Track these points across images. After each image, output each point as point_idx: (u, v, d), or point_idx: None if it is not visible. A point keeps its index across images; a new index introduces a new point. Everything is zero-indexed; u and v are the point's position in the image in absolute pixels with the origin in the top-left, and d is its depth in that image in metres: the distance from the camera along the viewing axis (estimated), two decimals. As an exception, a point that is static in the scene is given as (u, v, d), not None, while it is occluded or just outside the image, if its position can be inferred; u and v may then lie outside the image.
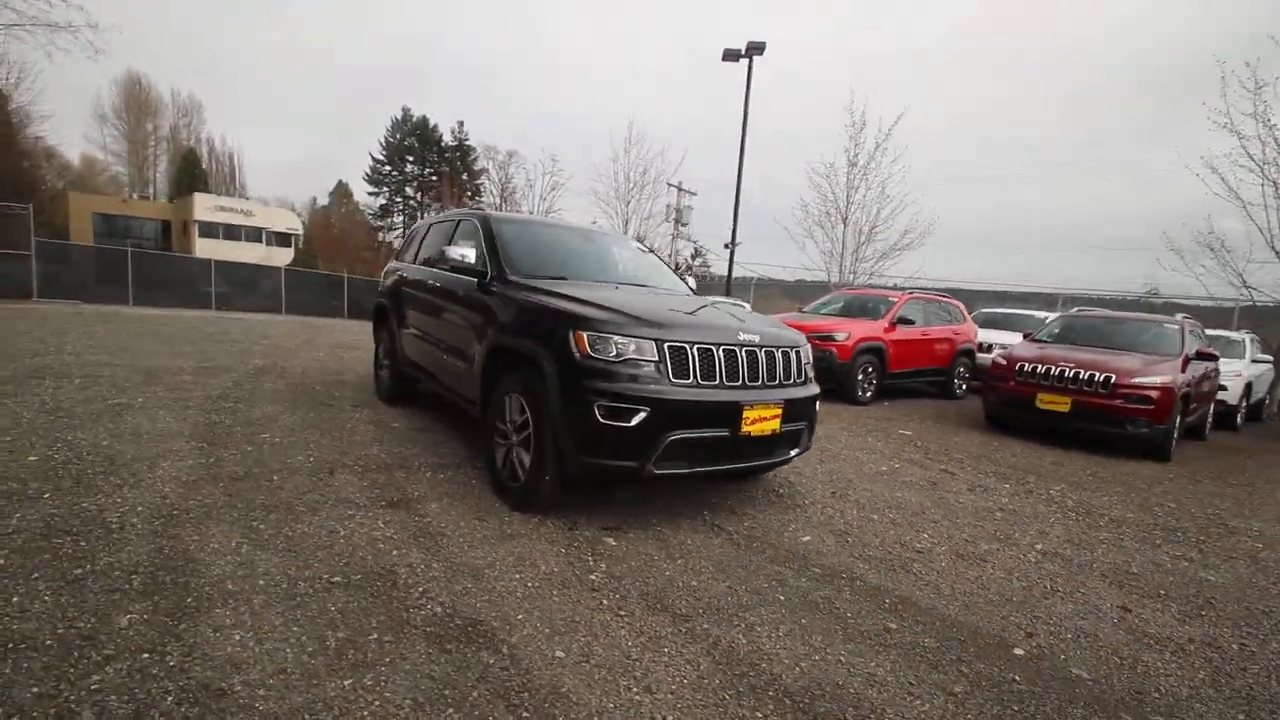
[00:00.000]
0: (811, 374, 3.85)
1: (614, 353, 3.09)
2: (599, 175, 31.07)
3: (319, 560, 2.66)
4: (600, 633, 2.33)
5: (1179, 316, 8.05)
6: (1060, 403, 6.69)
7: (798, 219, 21.16)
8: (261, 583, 2.44)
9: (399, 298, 5.50)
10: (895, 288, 13.70)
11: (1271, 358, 11.30)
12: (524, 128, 72.86)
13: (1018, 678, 2.30)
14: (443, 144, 56.39)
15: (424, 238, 5.61)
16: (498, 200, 54.84)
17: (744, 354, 3.36)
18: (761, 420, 3.33)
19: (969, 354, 10.19)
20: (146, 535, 2.73)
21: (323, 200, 61.93)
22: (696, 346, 3.21)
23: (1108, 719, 2.11)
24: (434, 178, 55.96)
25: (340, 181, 59.55)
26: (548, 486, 3.26)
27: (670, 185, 30.67)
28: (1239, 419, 9.73)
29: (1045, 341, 7.98)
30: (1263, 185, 13.07)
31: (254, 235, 37.06)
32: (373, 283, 34.12)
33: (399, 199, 56.73)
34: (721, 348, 3.28)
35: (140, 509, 2.98)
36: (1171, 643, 2.66)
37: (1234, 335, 10.82)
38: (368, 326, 7.57)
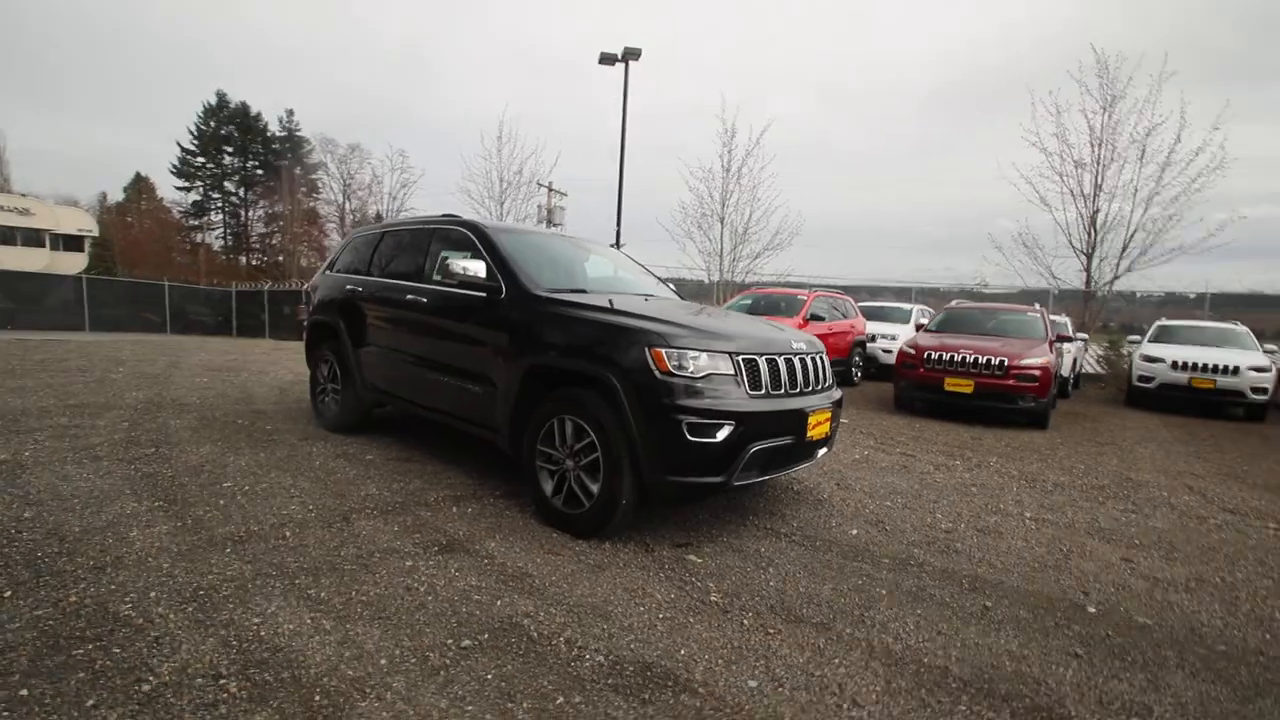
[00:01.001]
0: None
1: (694, 369, 3.03)
2: (470, 174, 29.44)
3: (425, 625, 2.34)
4: (768, 654, 2.30)
5: (1037, 306, 9.54)
6: (965, 385, 7.64)
7: (677, 220, 21.79)
8: (384, 662, 2.10)
9: (354, 314, 4.91)
10: (798, 285, 14.72)
11: (1085, 336, 13.72)
12: (369, 120, 67.36)
13: (1109, 633, 2.63)
14: (269, 134, 50.63)
15: (376, 247, 5.06)
16: (340, 198, 50.53)
17: (798, 362, 3.46)
18: (819, 424, 3.46)
19: (862, 345, 11.25)
20: (192, 626, 2.22)
21: (115, 196, 52.94)
22: (764, 358, 3.26)
23: (1193, 655, 2.49)
24: (259, 171, 50.12)
25: (139, 175, 51.24)
26: (623, 511, 3.13)
27: (541, 185, 30.24)
28: (1069, 389, 11.74)
29: (936, 331, 9.05)
30: (1062, 193, 15.89)
31: (33, 238, 30.66)
32: (199, 292, 29.95)
33: (216, 195, 50.04)
34: (782, 357, 3.36)
35: (154, 594, 2.41)
36: (1178, 583, 3.19)
37: (1056, 319, 13.00)
38: (221, 343, 6.66)
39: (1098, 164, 15.48)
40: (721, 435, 2.99)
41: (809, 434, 3.37)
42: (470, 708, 1.90)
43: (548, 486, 3.39)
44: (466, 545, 3.08)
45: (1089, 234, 15.77)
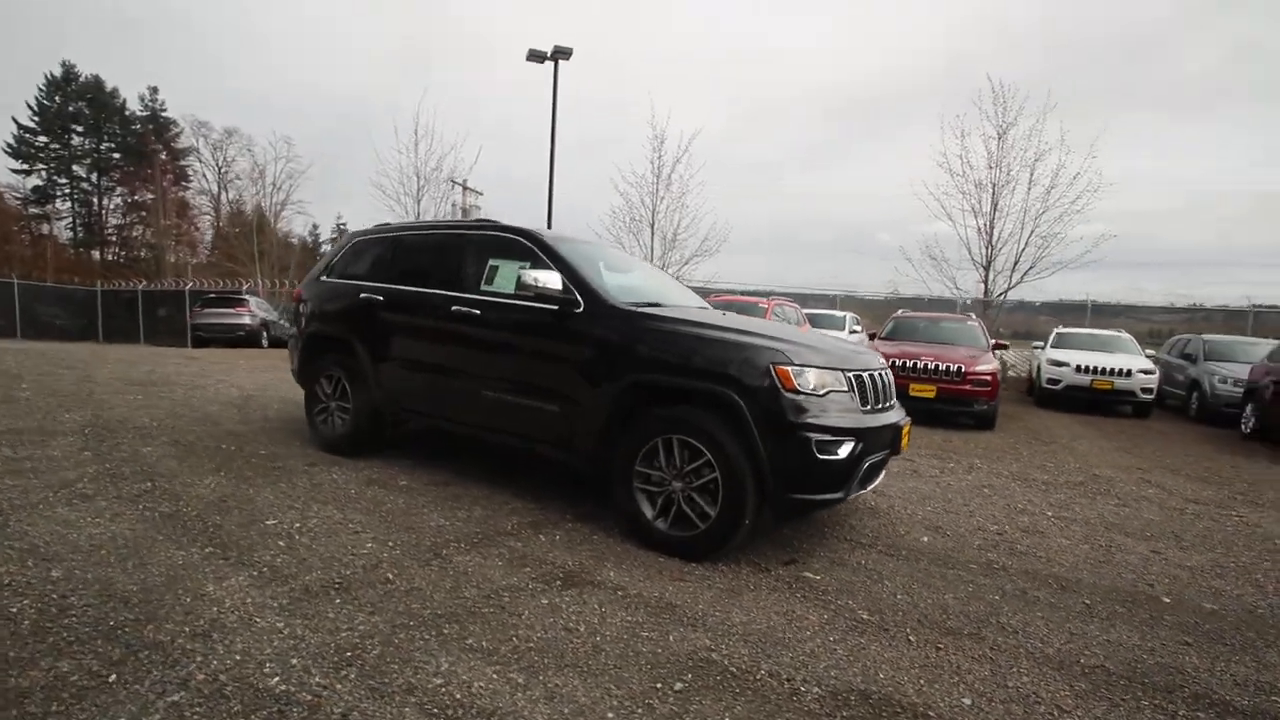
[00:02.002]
0: None
1: (817, 385, 3.06)
2: (384, 168, 27.63)
3: (619, 669, 2.19)
4: (956, 670, 2.36)
5: (973, 316, 10.45)
6: (928, 390, 8.22)
7: (607, 224, 21.75)
8: (613, 716, 1.95)
9: (374, 326, 4.49)
10: (725, 291, 15.14)
11: (1006, 344, 15.16)
12: (256, 105, 61.30)
13: (1195, 620, 2.94)
14: (128, 113, 45.08)
15: (394, 253, 4.67)
16: (215, 188, 45.93)
17: (879, 377, 3.59)
18: (907, 436, 3.60)
19: (811, 350, 11.79)
20: (373, 696, 1.94)
21: (-74, 176, 44.88)
22: (867, 374, 3.34)
23: (1268, 633, 2.84)
24: (116, 154, 44.45)
25: (-43, 152, 43.73)
26: (744, 531, 3.09)
27: (455, 183, 29.10)
28: (985, 389, 12.94)
29: (891, 339, 9.67)
30: (963, 210, 17.50)
31: None
32: (54, 292, 26.08)
33: (63, 180, 43.82)
34: (870, 373, 3.46)
35: (295, 660, 2.09)
36: (1207, 570, 3.62)
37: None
38: (116, 351, 5.94)
39: (994, 185, 17.24)
40: (844, 452, 3.04)
41: (901, 446, 3.50)
42: (737, 756, 1.82)
43: (648, 509, 3.28)
44: (586, 577, 2.92)
45: (986, 249, 17.52)
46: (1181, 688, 2.36)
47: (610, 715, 1.95)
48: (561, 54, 19.60)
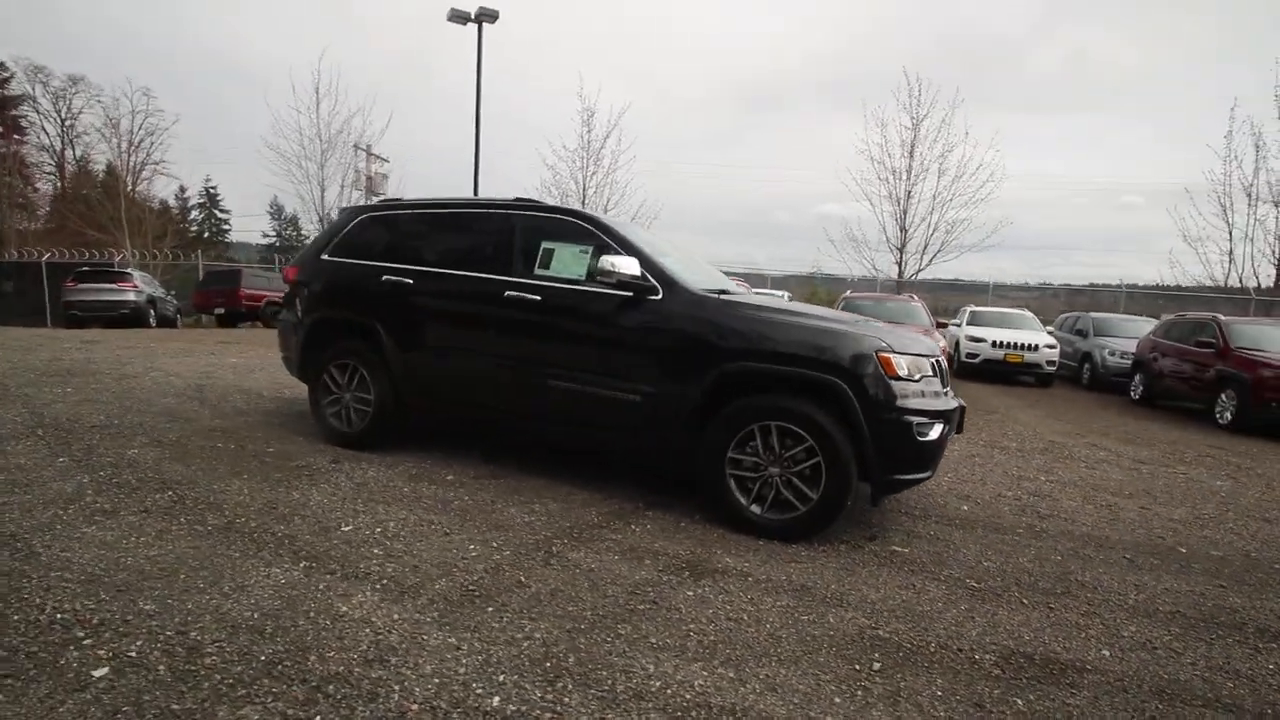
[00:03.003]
0: None
1: (911, 371, 3.21)
2: (280, 128, 24.61)
3: (809, 654, 2.24)
4: (1078, 627, 2.60)
5: (914, 297, 11.21)
6: (887, 366, 8.78)
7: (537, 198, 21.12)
8: (839, 700, 1.99)
9: (403, 311, 4.15)
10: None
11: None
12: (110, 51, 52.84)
13: (1215, 566, 3.41)
14: (-63, 50, 37.80)
15: (418, 232, 4.32)
16: (58, 143, 40.01)
17: (944, 362, 3.81)
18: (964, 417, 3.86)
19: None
20: (608, 706, 1.87)
21: None
22: (937, 360, 3.54)
23: (1271, 572, 3.35)
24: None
25: None
26: (842, 512, 3.21)
27: (359, 149, 27.05)
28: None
29: (844, 317, 10.20)
30: (882, 200, 18.62)
31: None
32: None
33: None
34: (941, 358, 3.67)
35: (501, 677, 1.96)
36: (1189, 521, 4.17)
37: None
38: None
39: (908, 174, 18.48)
40: (935, 433, 3.22)
41: (962, 427, 3.76)
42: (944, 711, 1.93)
43: (742, 495, 3.32)
44: (707, 566, 2.92)
45: (901, 232, 18.80)
46: (1244, 624, 2.75)
47: (838, 700, 2.00)
48: (487, 16, 18.63)
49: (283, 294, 16.51)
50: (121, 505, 3.10)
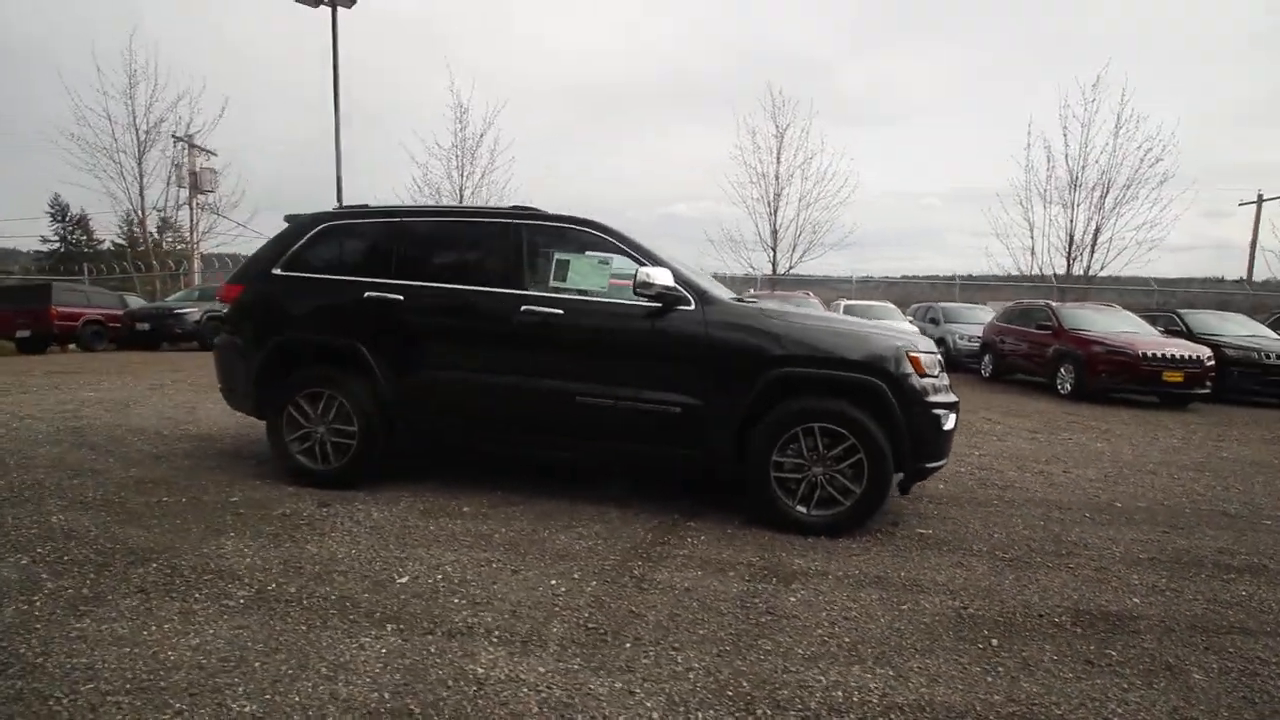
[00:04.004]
0: None
1: (930, 367, 3.52)
2: (81, 114, 20.15)
3: (937, 641, 2.40)
4: (1126, 584, 3.03)
5: (809, 293, 12.07)
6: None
7: (408, 196, 19.81)
8: (990, 679, 2.17)
9: (397, 331, 3.75)
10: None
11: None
12: None
13: (1235, 521, 4.03)
14: None
15: (405, 242, 3.92)
16: None
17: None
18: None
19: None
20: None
21: None
22: (939, 356, 3.89)
23: (1234, 520, 4.08)
24: None
25: None
26: (883, 503, 3.44)
27: (178, 139, 23.59)
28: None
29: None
30: (755, 203, 19.83)
31: None
32: None
33: None
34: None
35: (703, 716, 1.89)
36: (1175, 489, 4.80)
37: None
38: None
39: (776, 178, 19.87)
40: (952, 422, 3.56)
41: (951, 414, 4.17)
42: (1126, 672, 2.17)
43: (787, 495, 3.44)
44: (785, 569, 3.00)
45: (773, 233, 20.18)
46: (1202, 561, 3.34)
47: (989, 679, 2.16)
48: (342, 0, 17.12)
49: (117, 313, 14.09)
50: (104, 588, 2.51)
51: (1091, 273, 19.13)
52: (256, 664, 2.05)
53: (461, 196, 19.69)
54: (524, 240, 3.78)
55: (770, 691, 2.03)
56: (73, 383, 8.17)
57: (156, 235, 26.29)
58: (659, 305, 3.53)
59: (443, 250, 3.91)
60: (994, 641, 2.42)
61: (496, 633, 2.32)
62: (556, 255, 3.74)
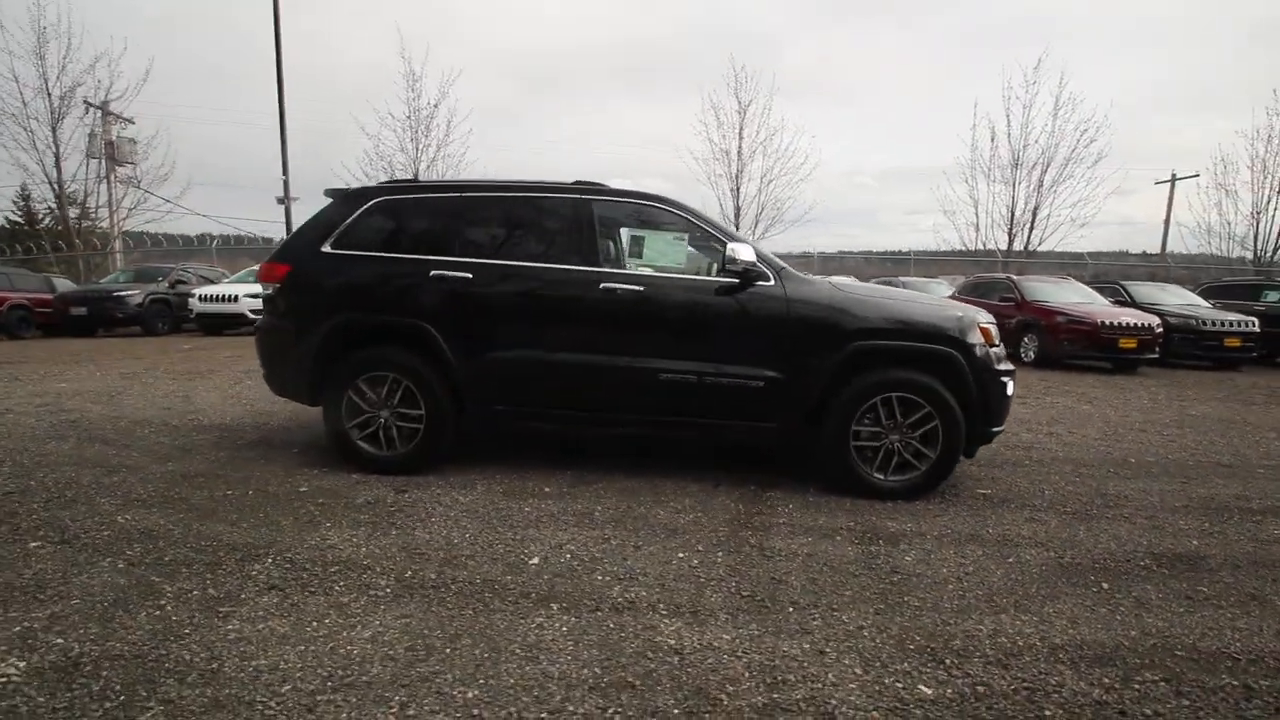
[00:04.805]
0: None
1: (996, 336, 3.72)
2: None
3: (1055, 588, 2.60)
4: (1165, 527, 3.33)
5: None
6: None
7: (359, 170, 18.86)
8: (1118, 618, 2.37)
9: (467, 311, 3.64)
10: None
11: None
12: None
13: (1179, 466, 4.48)
14: None
15: (466, 219, 3.79)
16: None
17: None
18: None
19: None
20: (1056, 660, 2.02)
21: None
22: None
23: (1226, 470, 4.52)
24: None
25: None
26: (955, 466, 3.63)
27: (90, 105, 21.55)
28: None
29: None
30: (719, 179, 19.93)
31: None
32: None
33: None
34: None
35: (944, 665, 2.00)
36: (1192, 445, 5.34)
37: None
38: None
39: (739, 155, 20.03)
40: (1012, 388, 3.78)
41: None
42: (1223, 604, 2.42)
43: (865, 462, 3.59)
44: (883, 531, 3.14)
45: (736, 210, 20.38)
46: (1227, 506, 3.71)
47: (1118, 617, 2.36)
48: (283, -44, 15.95)
49: (45, 297, 12.81)
50: (231, 587, 2.39)
51: (1031, 248, 20.33)
52: (447, 650, 2.02)
53: (417, 170, 18.90)
54: (595, 216, 3.72)
55: (944, 643, 2.16)
56: (28, 374, 7.48)
57: (57, 210, 23.93)
58: (736, 281, 3.57)
59: (509, 226, 3.80)
60: (1104, 585, 2.64)
61: (661, 606, 2.35)
62: (631, 231, 3.71)
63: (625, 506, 3.37)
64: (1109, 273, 19.76)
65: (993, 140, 20.16)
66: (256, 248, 23.28)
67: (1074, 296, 10.92)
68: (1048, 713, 1.82)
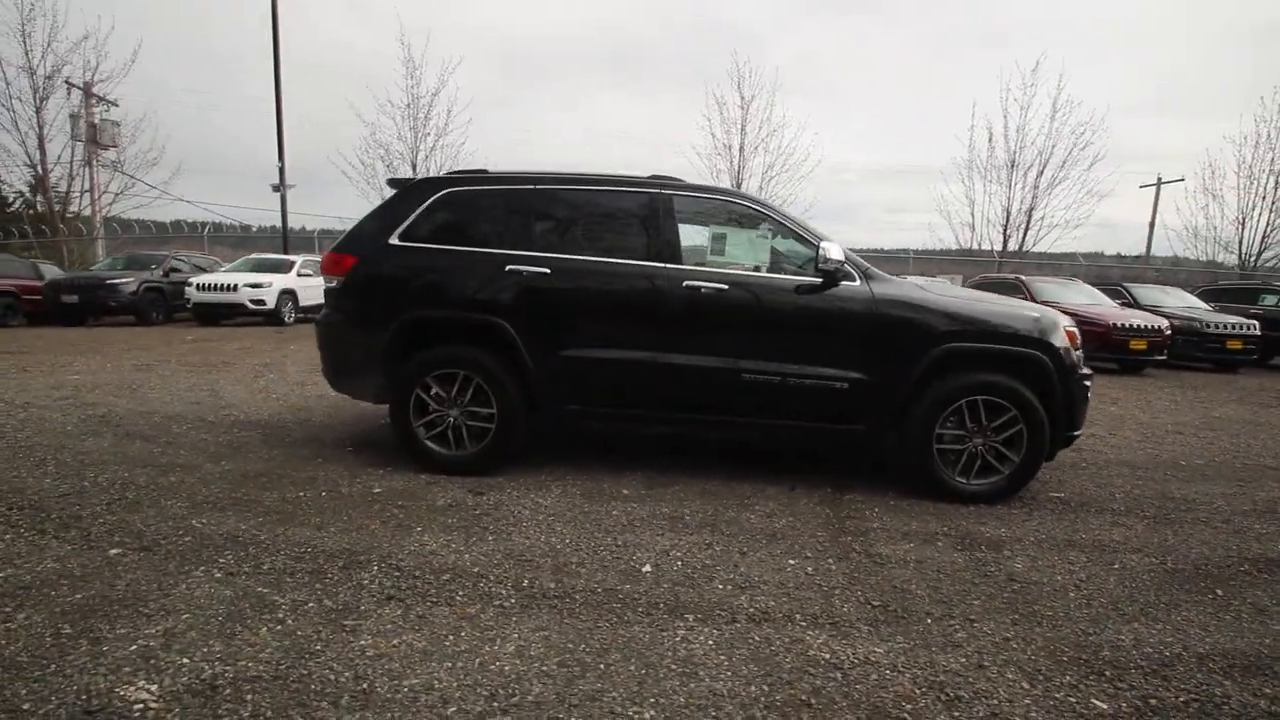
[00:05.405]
0: None
1: (1078, 340, 3.70)
2: None
3: (1156, 591, 2.58)
4: (1244, 531, 3.35)
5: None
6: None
7: (355, 156, 18.47)
8: (1235, 617, 2.36)
9: (544, 308, 3.53)
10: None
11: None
12: None
13: (1226, 468, 4.53)
14: None
15: (531, 214, 3.66)
16: None
17: None
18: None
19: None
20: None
21: None
22: (1064, 328, 4.09)
23: (1224, 468, 4.59)
24: None
25: None
26: (1039, 470, 3.61)
27: (71, 85, 20.79)
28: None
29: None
30: (720, 175, 19.86)
31: None
32: None
33: None
34: None
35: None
36: (1164, 440, 5.46)
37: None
38: None
39: (740, 150, 19.99)
40: (1090, 392, 3.78)
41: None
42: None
43: (947, 466, 3.56)
44: (980, 537, 3.10)
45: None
46: None
47: (1242, 625, 2.35)
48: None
49: (34, 284, 12.30)
50: (345, 598, 2.27)
51: (1025, 248, 20.61)
52: (602, 666, 1.93)
53: (415, 160, 18.57)
54: (674, 212, 3.63)
55: (1094, 653, 2.12)
56: (34, 365, 7.16)
57: (37, 194, 23.03)
58: (820, 280, 3.51)
59: (585, 221, 3.69)
60: (1218, 591, 2.64)
61: (797, 617, 2.28)
62: (712, 228, 3.62)
63: (712, 510, 3.30)
64: (1088, 273, 20.15)
65: (990, 141, 20.40)
66: (250, 236, 22.70)
67: (1082, 298, 11.06)
68: (1226, 727, 1.80)
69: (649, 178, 3.77)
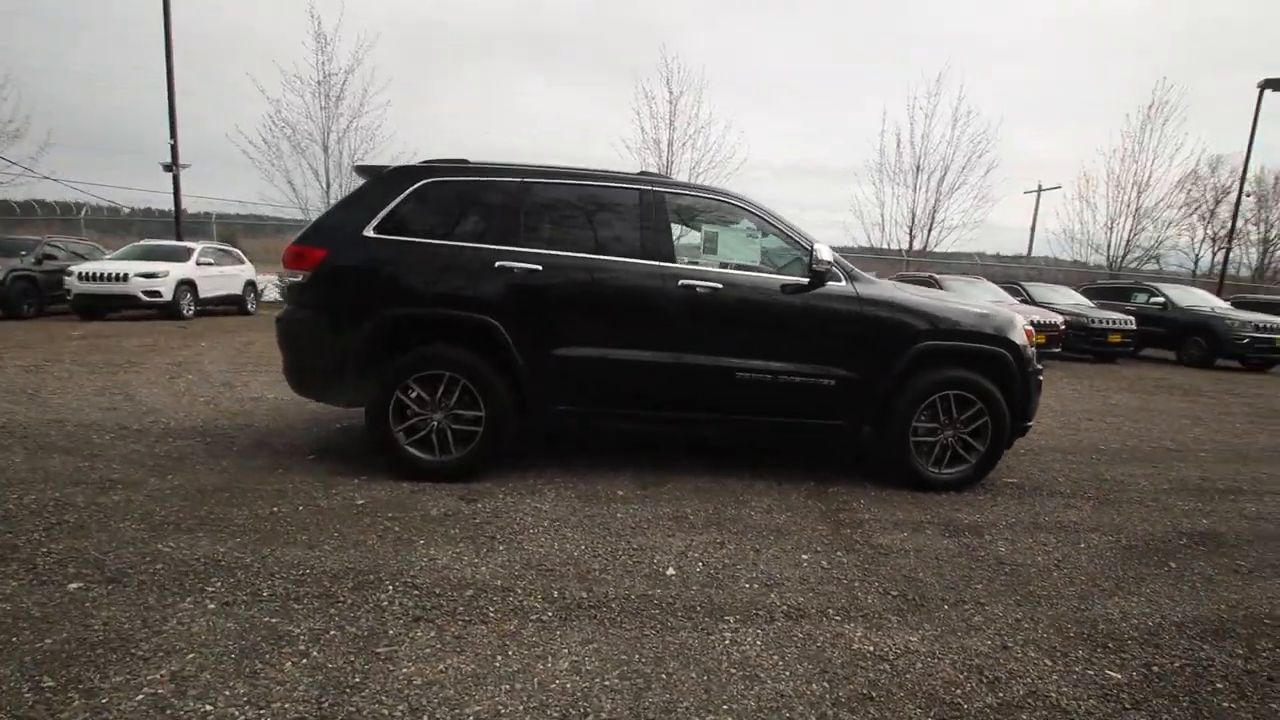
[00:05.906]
0: None
1: (1033, 336, 4.01)
2: None
3: (1142, 566, 2.87)
4: (1243, 513, 3.77)
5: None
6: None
7: (257, 137, 17.02)
8: (1215, 591, 2.66)
9: (535, 306, 3.40)
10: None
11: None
12: None
13: (1193, 458, 5.09)
14: None
15: (520, 208, 3.52)
16: None
17: None
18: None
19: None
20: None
21: None
22: (1008, 325, 4.41)
23: (1198, 452, 5.16)
24: None
25: None
26: (998, 460, 3.89)
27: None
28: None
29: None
30: (646, 165, 19.91)
31: None
32: None
33: None
34: None
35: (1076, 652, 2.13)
36: (1203, 439, 6.01)
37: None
38: None
39: (670, 145, 20.14)
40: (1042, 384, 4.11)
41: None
42: (1277, 576, 2.78)
43: (924, 458, 3.76)
44: (960, 523, 3.31)
45: (664, 200, 20.46)
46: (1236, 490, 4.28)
47: (1202, 592, 2.66)
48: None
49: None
50: (369, 623, 2.10)
51: (929, 248, 22.11)
52: (664, 676, 1.91)
53: (326, 142, 17.37)
54: (666, 209, 3.60)
55: (1092, 628, 2.33)
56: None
57: None
58: (809, 281, 3.61)
59: (576, 216, 3.59)
60: (1171, 564, 2.96)
61: (830, 611, 2.35)
62: (704, 227, 3.63)
63: (712, 508, 3.33)
64: (970, 272, 21.96)
65: (898, 147, 21.68)
66: (122, 220, 20.42)
67: (990, 296, 12.01)
68: (1218, 685, 2.03)
69: (638, 174, 3.73)
